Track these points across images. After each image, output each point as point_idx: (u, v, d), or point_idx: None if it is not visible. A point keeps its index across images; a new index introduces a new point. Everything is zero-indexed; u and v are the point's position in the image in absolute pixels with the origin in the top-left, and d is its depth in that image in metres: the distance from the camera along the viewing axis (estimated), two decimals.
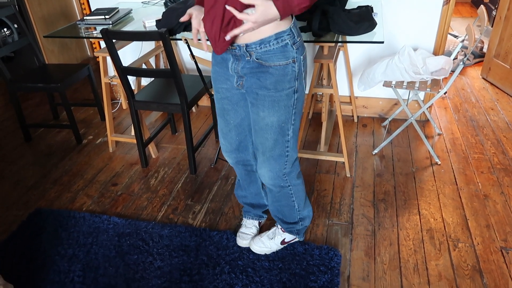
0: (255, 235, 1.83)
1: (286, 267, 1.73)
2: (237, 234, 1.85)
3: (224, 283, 1.67)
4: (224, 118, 1.51)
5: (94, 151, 2.67)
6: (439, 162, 2.35)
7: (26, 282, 1.72)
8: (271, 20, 1.16)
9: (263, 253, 1.77)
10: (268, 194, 1.68)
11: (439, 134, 2.62)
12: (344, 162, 2.35)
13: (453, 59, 2.27)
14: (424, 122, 2.77)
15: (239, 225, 1.96)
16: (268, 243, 1.77)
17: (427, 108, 2.66)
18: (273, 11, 1.13)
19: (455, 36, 3.87)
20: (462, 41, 2.23)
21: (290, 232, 1.76)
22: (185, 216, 2.06)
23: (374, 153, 2.47)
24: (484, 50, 3.68)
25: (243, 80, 1.36)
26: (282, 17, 1.16)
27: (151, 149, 2.54)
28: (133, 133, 2.60)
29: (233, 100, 1.45)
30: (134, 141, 2.53)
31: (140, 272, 1.74)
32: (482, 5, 2.27)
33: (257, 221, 1.89)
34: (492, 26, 3.42)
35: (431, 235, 1.86)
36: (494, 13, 4.37)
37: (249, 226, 1.86)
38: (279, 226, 1.78)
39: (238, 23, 1.18)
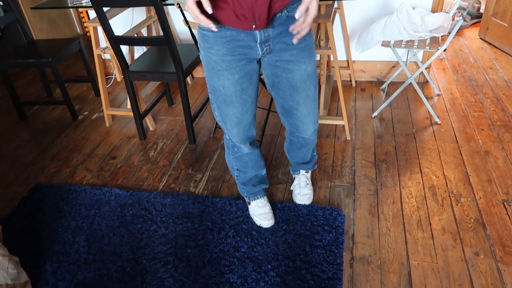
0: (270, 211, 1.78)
1: (291, 228, 1.73)
2: (255, 219, 1.77)
3: (230, 246, 1.68)
4: (242, 99, 1.39)
5: (90, 126, 2.63)
6: (439, 122, 2.33)
7: (31, 254, 1.72)
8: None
9: (312, 199, 1.87)
10: (299, 151, 1.73)
11: (438, 95, 2.60)
12: (344, 126, 2.33)
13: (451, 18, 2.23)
14: (423, 84, 2.74)
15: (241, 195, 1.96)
16: (311, 188, 1.89)
17: (426, 69, 2.63)
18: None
19: None
20: (461, 9, 2.18)
21: (313, 167, 1.90)
22: (186, 185, 2.06)
23: (373, 116, 2.45)
24: (481, 10, 3.63)
25: (269, 44, 1.28)
26: None
27: (148, 121, 2.51)
28: (129, 106, 2.56)
29: (250, 74, 1.35)
30: (131, 114, 2.49)
31: (145, 240, 1.74)
32: None
33: (266, 195, 1.83)
34: None
35: (433, 191, 1.87)
36: None
37: (263, 204, 1.78)
38: (305, 171, 1.88)
39: None
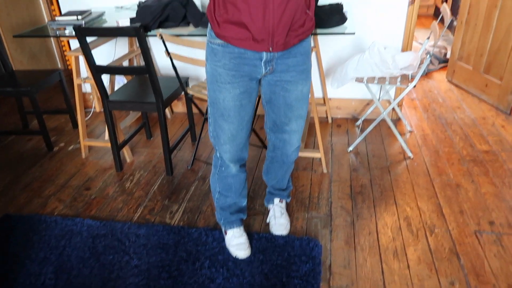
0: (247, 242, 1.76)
1: (267, 259, 1.71)
2: (231, 249, 1.74)
3: (205, 277, 1.63)
4: (239, 115, 1.44)
5: (66, 157, 2.59)
6: (412, 156, 2.41)
7: None
8: None
9: (289, 229, 1.86)
10: (279, 170, 1.75)
11: (410, 131, 2.70)
12: (320, 159, 2.37)
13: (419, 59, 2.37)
14: (395, 121, 2.85)
15: (217, 222, 1.94)
16: (287, 218, 1.89)
17: (398, 107, 2.75)
18: None
19: (421, 44, 4.04)
20: (428, 38, 2.33)
21: (287, 197, 1.94)
22: (162, 216, 2.02)
23: (349, 150, 2.51)
24: (448, 55, 3.86)
25: (272, 64, 1.36)
26: None
27: (126, 153, 2.49)
28: (107, 137, 2.55)
29: (250, 91, 1.42)
30: (108, 145, 2.47)
31: (116, 272, 1.68)
32: (444, 3, 2.39)
33: (242, 226, 1.80)
34: (453, 34, 3.60)
35: (408, 222, 1.89)
36: (454, 23, 4.61)
37: (239, 234, 1.76)
38: (278, 200, 1.90)
39: (302, 19, 1.30)
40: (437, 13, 5.66)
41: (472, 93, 3.21)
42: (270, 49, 1.31)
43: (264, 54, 1.33)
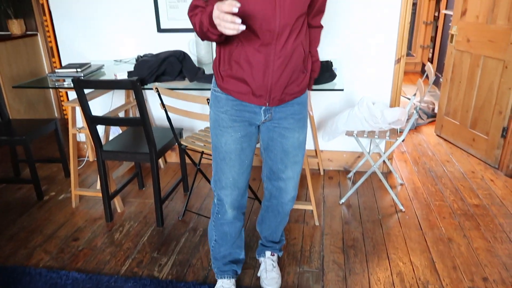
0: None
1: None
2: None
3: None
4: (240, 159, 1.51)
5: (55, 206, 2.56)
6: (403, 209, 2.41)
7: None
8: None
9: (280, 284, 1.83)
10: (273, 220, 1.75)
11: (401, 184, 2.72)
12: (312, 211, 2.36)
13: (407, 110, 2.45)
14: (386, 174, 2.88)
15: (207, 276, 1.89)
16: (278, 272, 1.86)
17: (388, 160, 2.79)
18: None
19: (408, 99, 4.18)
20: (414, 94, 2.43)
21: (280, 251, 1.92)
22: (150, 269, 1.97)
23: (341, 203, 2.51)
24: (435, 110, 3.99)
25: (271, 112, 1.46)
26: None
27: (117, 203, 2.47)
28: (98, 187, 2.54)
29: (250, 135, 1.50)
30: (99, 195, 2.46)
31: None
32: (428, 63, 2.51)
33: (234, 279, 1.78)
34: (439, 90, 3.75)
35: (401, 278, 1.86)
36: (441, 80, 4.81)
37: (228, 286, 1.73)
38: (270, 254, 1.87)
39: (299, 79, 1.43)
40: (424, 70, 5.91)
41: (461, 147, 3.28)
42: (267, 104, 1.41)
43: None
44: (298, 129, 1.52)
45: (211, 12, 1.16)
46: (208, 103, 1.83)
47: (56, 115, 4.28)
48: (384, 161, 2.79)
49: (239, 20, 1.07)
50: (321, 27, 1.54)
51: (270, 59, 1.31)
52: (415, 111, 2.19)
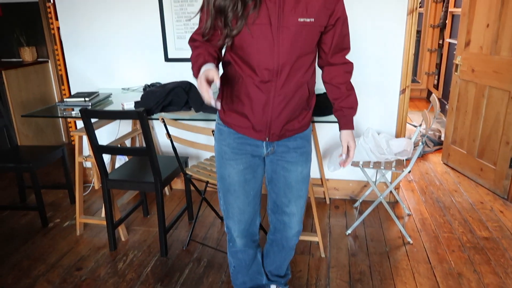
0: None
1: None
2: None
3: None
4: (244, 190, 1.51)
5: (60, 234, 2.55)
6: (411, 242, 2.37)
7: None
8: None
9: None
10: (278, 254, 1.72)
11: (408, 215, 2.69)
12: (318, 242, 2.33)
13: (414, 143, 2.45)
14: (393, 204, 2.85)
15: None
16: None
17: (395, 190, 2.76)
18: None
19: (414, 126, 4.18)
20: (420, 125, 2.42)
21: (285, 285, 1.85)
22: None
23: (347, 234, 2.47)
24: (442, 138, 3.97)
25: (273, 146, 1.45)
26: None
27: (121, 231, 2.46)
28: (103, 215, 2.53)
29: (254, 167, 1.50)
30: (104, 223, 2.45)
31: None
32: (433, 94, 2.52)
33: None
34: (446, 117, 3.74)
35: None
36: (447, 106, 4.82)
37: None
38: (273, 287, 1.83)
39: (301, 116, 1.42)
40: (429, 95, 5.92)
41: (468, 176, 3.25)
42: (267, 138, 1.41)
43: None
44: (301, 163, 1.50)
45: (200, 67, 1.23)
46: (213, 134, 1.85)
47: (64, 140, 4.32)
48: (390, 191, 2.76)
49: (213, 101, 1.15)
50: (348, 63, 1.45)
51: (270, 96, 1.32)
52: (420, 144, 2.18)
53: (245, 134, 1.41)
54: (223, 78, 1.40)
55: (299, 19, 1.23)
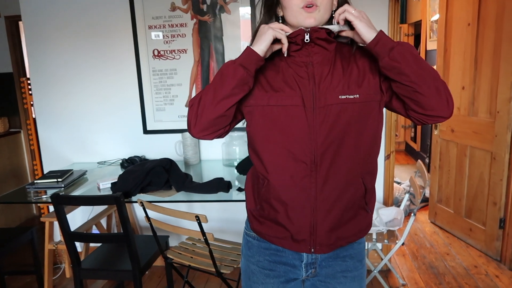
0: None
1: None
2: None
3: None
4: None
5: None
6: None
7: None
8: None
9: None
10: None
11: (403, 285, 2.56)
12: None
13: (402, 209, 2.38)
14: (386, 272, 2.72)
15: None
16: None
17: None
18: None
19: (398, 183, 4.15)
20: (408, 192, 2.37)
21: None
22: None
23: None
24: (427, 194, 3.94)
25: (315, 267, 1.16)
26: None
27: None
28: None
29: None
30: None
31: None
32: (419, 160, 2.50)
33: None
34: (428, 172, 3.74)
35: None
36: (426, 160, 4.86)
37: None
38: None
39: (358, 218, 1.11)
40: (408, 148, 6.01)
41: (458, 236, 3.18)
42: (312, 250, 1.11)
43: (305, 255, 1.14)
44: None
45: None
46: (197, 220, 1.72)
47: (34, 212, 4.07)
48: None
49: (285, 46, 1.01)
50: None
51: (311, 194, 1.06)
52: (413, 214, 2.11)
53: (283, 246, 1.13)
54: (247, 179, 1.20)
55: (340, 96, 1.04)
